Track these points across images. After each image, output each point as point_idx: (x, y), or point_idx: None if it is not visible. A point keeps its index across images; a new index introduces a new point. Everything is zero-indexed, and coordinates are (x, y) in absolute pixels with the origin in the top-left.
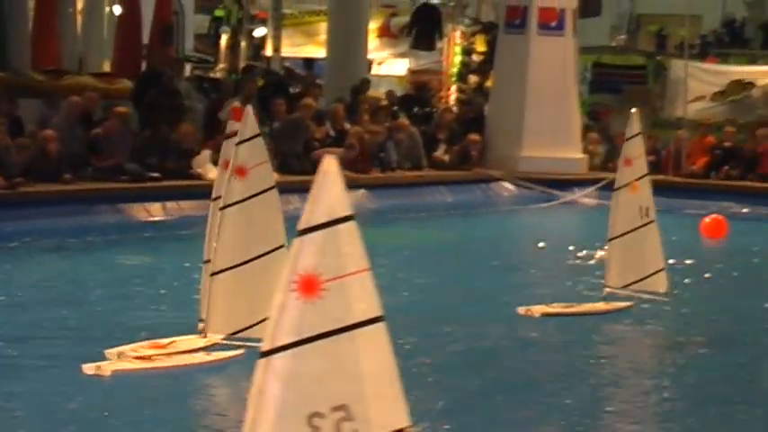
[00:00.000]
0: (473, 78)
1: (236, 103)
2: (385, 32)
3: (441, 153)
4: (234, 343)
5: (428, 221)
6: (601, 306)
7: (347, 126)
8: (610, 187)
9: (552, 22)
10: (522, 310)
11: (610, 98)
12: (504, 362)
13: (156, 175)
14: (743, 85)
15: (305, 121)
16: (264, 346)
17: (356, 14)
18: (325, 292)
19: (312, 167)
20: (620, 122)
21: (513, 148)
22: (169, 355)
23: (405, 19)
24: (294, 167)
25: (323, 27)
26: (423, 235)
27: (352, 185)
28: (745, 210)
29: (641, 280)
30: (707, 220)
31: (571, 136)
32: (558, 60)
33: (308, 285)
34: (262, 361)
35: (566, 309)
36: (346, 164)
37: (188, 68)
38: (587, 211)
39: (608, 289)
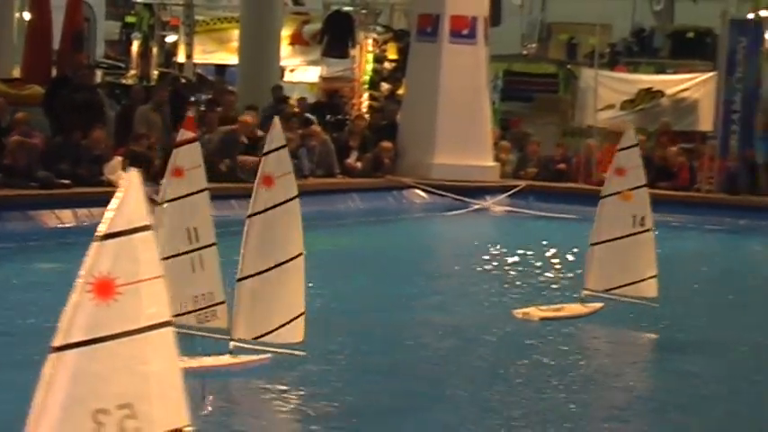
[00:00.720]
0: (385, 86)
1: (189, 113)
2: (297, 40)
3: (353, 160)
4: (259, 348)
5: (341, 229)
6: (581, 308)
7: (260, 133)
8: (521, 195)
9: (464, 31)
10: (518, 313)
11: (521, 106)
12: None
13: (66, 181)
14: (652, 94)
15: (240, 136)
16: (56, 341)
17: (268, 21)
18: (120, 296)
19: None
20: (531, 130)
21: (425, 156)
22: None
23: (317, 26)
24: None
25: (235, 34)
26: (334, 242)
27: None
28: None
29: (629, 285)
30: None
31: (483, 144)
32: (469, 68)
33: (104, 288)
34: (53, 355)
35: (556, 312)
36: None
37: (99, 75)
38: (498, 219)
39: (586, 291)
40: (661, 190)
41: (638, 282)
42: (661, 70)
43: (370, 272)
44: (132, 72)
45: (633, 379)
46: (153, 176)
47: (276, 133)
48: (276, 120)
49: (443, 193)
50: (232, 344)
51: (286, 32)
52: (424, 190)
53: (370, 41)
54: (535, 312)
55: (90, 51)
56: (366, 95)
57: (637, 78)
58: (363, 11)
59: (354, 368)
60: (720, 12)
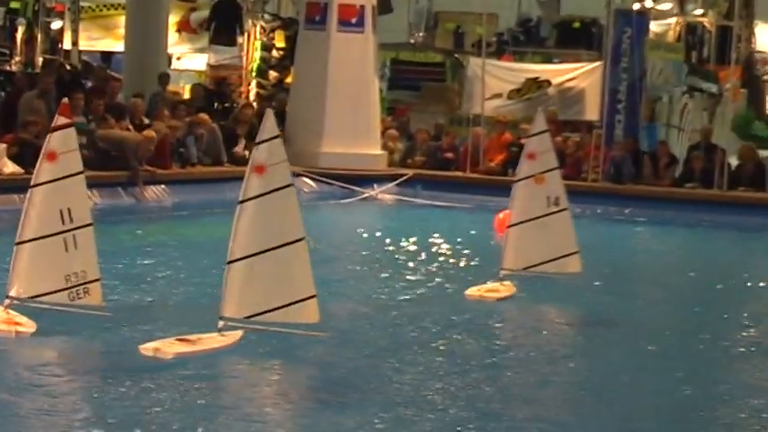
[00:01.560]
0: (273, 74)
1: (65, 100)
2: (184, 27)
3: (241, 149)
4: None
5: (228, 217)
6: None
7: (146, 121)
8: (408, 183)
9: (352, 19)
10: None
11: (408, 95)
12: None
13: None
14: (539, 84)
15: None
16: None
17: (155, 8)
18: None
19: None
20: (418, 119)
21: (313, 144)
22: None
23: (204, 14)
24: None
25: (121, 20)
26: (221, 231)
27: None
28: None
29: (550, 261)
30: (500, 216)
31: (371, 132)
32: (357, 57)
33: None
34: None
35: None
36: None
37: None
38: (387, 207)
39: (504, 271)
40: None
41: (560, 258)
42: (547, 60)
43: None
44: (17, 59)
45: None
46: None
47: (269, 124)
48: (269, 111)
49: (331, 181)
50: (221, 323)
51: (173, 19)
52: (312, 178)
53: (257, 29)
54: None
55: None
56: (254, 83)
57: (523, 68)
58: None
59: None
60: (606, 2)
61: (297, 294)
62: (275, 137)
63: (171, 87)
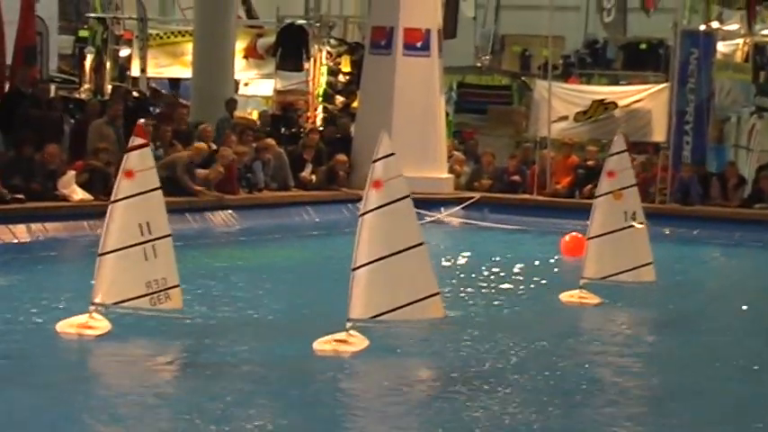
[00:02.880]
0: (339, 99)
1: (141, 121)
2: (251, 53)
3: (307, 173)
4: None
5: (294, 241)
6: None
7: (213, 147)
8: (475, 206)
9: (418, 43)
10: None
11: (475, 118)
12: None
13: (20, 196)
14: (605, 105)
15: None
16: None
17: (222, 35)
18: None
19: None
20: (485, 142)
21: None
22: None
23: (271, 40)
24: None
25: (189, 47)
26: (288, 255)
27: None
28: None
29: (627, 271)
30: (566, 239)
31: (437, 156)
32: (423, 81)
33: None
34: None
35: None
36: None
37: (52, 89)
38: (453, 231)
39: (584, 279)
40: None
41: (636, 268)
42: (614, 82)
43: (322, 284)
44: (86, 86)
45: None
46: (109, 191)
47: (385, 144)
48: (384, 133)
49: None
50: (349, 324)
51: (240, 46)
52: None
53: (324, 54)
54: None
55: (43, 66)
56: (320, 108)
57: (590, 90)
58: (317, 24)
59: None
60: (672, 23)
61: (421, 293)
62: (390, 155)
63: (238, 113)
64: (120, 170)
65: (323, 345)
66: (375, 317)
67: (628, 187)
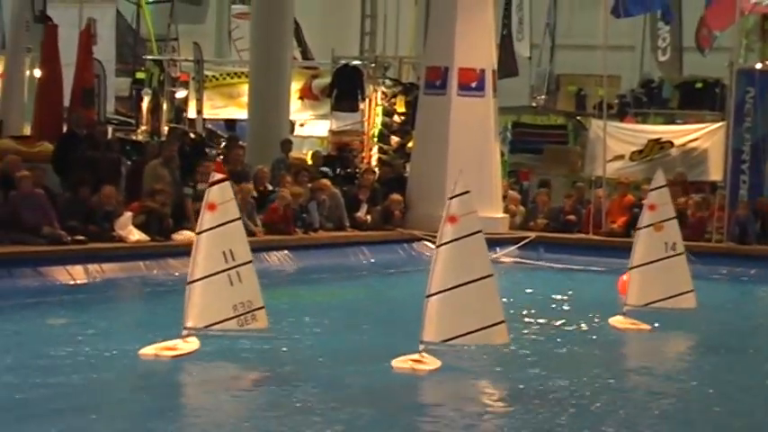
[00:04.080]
0: (394, 139)
1: (219, 158)
2: (306, 94)
3: (363, 213)
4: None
5: (351, 281)
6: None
7: (270, 188)
8: (530, 246)
9: (472, 83)
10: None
11: (530, 158)
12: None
13: (80, 238)
14: (661, 145)
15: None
16: None
17: (278, 76)
18: None
19: None
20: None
21: (434, 208)
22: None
23: (326, 80)
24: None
25: (244, 89)
26: (343, 295)
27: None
28: None
29: (668, 298)
30: (624, 278)
31: (492, 195)
32: (478, 121)
33: None
34: None
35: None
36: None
37: (110, 131)
38: (509, 270)
39: (627, 306)
40: None
41: (677, 296)
42: (670, 121)
43: (377, 323)
44: (142, 128)
45: None
46: (165, 231)
47: (461, 182)
48: (461, 172)
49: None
50: (421, 346)
51: (295, 86)
52: (433, 242)
53: (378, 95)
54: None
55: (100, 107)
56: (375, 149)
57: (645, 129)
58: (372, 64)
59: None
60: (728, 62)
61: (488, 320)
62: (465, 192)
63: (293, 154)
64: (203, 204)
65: (400, 363)
66: (446, 341)
67: (668, 219)
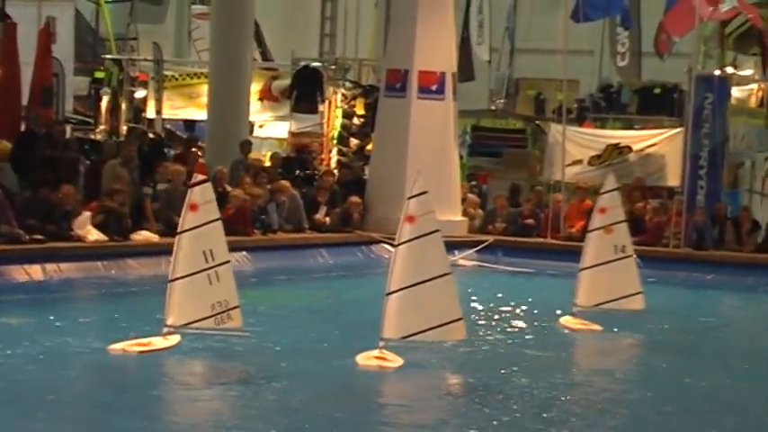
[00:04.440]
0: (354, 141)
1: (201, 160)
2: (266, 95)
3: (322, 215)
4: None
5: (309, 283)
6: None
7: (228, 188)
8: (489, 250)
9: (432, 86)
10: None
11: (489, 161)
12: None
13: (38, 237)
14: (619, 150)
15: (178, 189)
16: None
17: (237, 77)
18: None
19: None
20: (499, 186)
21: (393, 211)
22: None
23: (286, 82)
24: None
25: (204, 89)
26: (300, 296)
27: (233, 247)
28: None
29: (615, 300)
30: None
31: (451, 199)
32: (438, 124)
33: None
34: None
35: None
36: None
37: (68, 130)
38: (467, 274)
39: (577, 307)
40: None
41: (625, 297)
42: (628, 126)
43: (330, 325)
44: (101, 127)
45: None
46: (124, 231)
47: (419, 183)
48: (419, 173)
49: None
50: (382, 342)
51: (255, 88)
52: (392, 245)
53: (338, 97)
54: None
55: (59, 106)
56: (335, 151)
57: (604, 134)
58: (332, 66)
59: None
60: (687, 68)
61: (446, 317)
62: (423, 193)
63: (252, 155)
64: (186, 204)
65: (365, 360)
66: (405, 337)
67: (618, 222)
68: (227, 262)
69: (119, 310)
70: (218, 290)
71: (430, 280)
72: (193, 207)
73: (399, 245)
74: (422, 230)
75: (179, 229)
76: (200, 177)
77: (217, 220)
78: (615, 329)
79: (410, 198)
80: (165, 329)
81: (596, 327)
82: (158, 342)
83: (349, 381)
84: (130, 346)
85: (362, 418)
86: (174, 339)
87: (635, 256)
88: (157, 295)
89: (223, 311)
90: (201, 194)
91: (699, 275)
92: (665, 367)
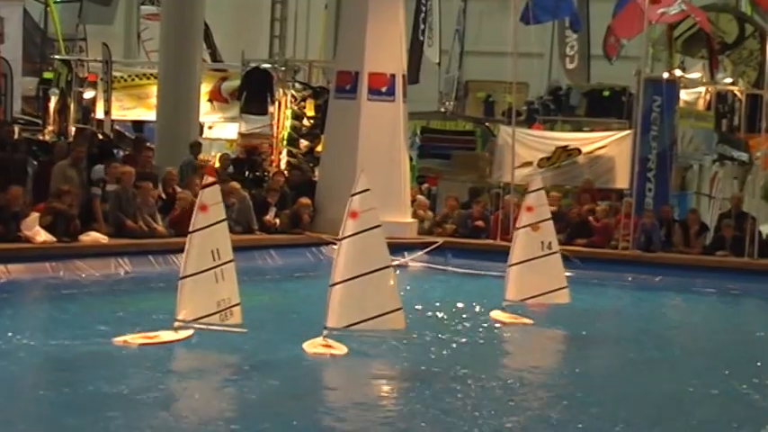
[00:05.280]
0: (303, 143)
1: (210, 162)
2: (216, 96)
3: (271, 217)
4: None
5: (258, 285)
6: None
7: (178, 189)
8: (438, 251)
9: (383, 88)
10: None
11: (439, 163)
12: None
13: None
14: (569, 152)
15: (127, 190)
16: None
17: (186, 78)
18: None
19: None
20: (448, 187)
21: (343, 212)
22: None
23: (236, 83)
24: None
25: (153, 90)
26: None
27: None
28: (569, 273)
29: (542, 294)
30: None
31: (401, 201)
32: (388, 125)
33: None
34: None
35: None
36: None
37: (16, 131)
38: (416, 276)
39: (506, 302)
40: (578, 247)
41: (552, 291)
42: (577, 128)
43: (277, 327)
44: (49, 128)
45: None
46: (72, 233)
47: (363, 181)
48: (362, 172)
49: None
50: (325, 332)
51: (204, 89)
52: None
53: (288, 98)
54: (134, 339)
55: (7, 107)
56: (285, 152)
57: (553, 136)
58: (282, 68)
59: None
60: (635, 70)
61: (386, 307)
62: (366, 190)
63: (202, 156)
64: (196, 205)
65: (312, 348)
66: (347, 326)
67: (545, 220)
68: (231, 261)
69: (70, 309)
70: (223, 287)
71: (371, 272)
72: (203, 208)
73: (343, 239)
74: (364, 225)
75: (191, 229)
76: (210, 179)
77: (223, 220)
78: (545, 323)
79: (353, 195)
80: (177, 323)
81: (527, 320)
82: (166, 336)
83: (294, 369)
84: (134, 338)
85: (298, 404)
86: (184, 333)
87: (572, 256)
88: (106, 296)
89: (227, 308)
90: (211, 196)
91: (647, 277)
92: (588, 359)
